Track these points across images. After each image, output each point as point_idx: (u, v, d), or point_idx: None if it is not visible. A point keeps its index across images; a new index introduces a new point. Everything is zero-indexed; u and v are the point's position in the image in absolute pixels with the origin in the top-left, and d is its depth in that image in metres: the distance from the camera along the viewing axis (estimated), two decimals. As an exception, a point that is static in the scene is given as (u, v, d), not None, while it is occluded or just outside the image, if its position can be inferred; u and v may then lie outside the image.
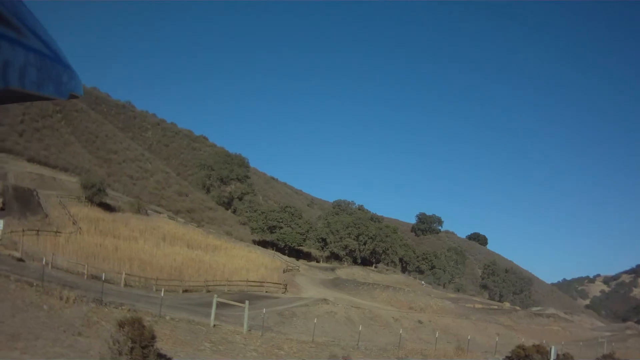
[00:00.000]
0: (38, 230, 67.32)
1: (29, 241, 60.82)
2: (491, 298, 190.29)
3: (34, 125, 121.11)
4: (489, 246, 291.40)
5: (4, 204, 75.12)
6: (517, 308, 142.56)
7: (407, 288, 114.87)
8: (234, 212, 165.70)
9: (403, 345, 55.71)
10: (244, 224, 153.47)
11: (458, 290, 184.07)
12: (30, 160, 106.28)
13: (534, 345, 51.31)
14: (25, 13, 2.08)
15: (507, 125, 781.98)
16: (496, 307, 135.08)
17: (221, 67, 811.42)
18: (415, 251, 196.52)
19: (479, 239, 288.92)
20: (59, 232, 70.59)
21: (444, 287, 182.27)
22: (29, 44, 2.04)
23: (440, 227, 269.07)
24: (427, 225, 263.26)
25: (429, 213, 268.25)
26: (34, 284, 36.91)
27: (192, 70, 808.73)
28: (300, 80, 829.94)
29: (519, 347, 50.67)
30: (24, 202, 79.86)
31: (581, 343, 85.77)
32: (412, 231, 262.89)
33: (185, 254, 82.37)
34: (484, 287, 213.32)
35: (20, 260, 50.56)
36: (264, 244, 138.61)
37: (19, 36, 1.96)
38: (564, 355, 52.09)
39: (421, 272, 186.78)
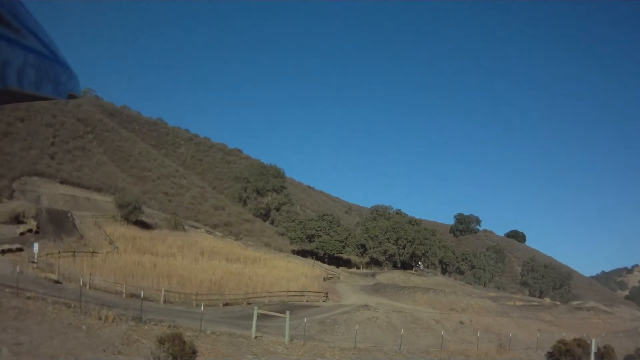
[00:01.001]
0: (74, 252, 67.59)
1: (65, 263, 60.97)
2: (531, 294, 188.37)
3: (65, 147, 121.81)
4: (527, 242, 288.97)
5: (38, 227, 75.79)
6: (558, 303, 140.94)
7: (447, 289, 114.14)
8: (272, 223, 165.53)
9: (445, 347, 55.16)
10: (282, 235, 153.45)
11: (498, 289, 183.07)
12: (63, 182, 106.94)
13: (574, 340, 50.92)
14: (24, 13, 2.12)
15: (537, 122, 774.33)
16: (536, 303, 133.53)
17: (252, 79, 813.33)
18: (455, 252, 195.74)
19: (517, 236, 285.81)
20: (95, 253, 70.92)
21: (484, 286, 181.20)
22: (28, 45, 2.08)
23: (478, 227, 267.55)
24: (465, 225, 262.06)
25: (466, 213, 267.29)
26: (72, 305, 36.87)
27: (224, 84, 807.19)
28: (332, 87, 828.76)
29: (560, 342, 50.25)
30: (58, 224, 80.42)
31: (621, 334, 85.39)
32: (450, 232, 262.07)
33: (225, 267, 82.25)
34: (524, 284, 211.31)
35: (57, 282, 50.79)
36: (303, 253, 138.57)
37: (18, 36, 2.00)
38: (604, 347, 51.71)
39: (461, 272, 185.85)
